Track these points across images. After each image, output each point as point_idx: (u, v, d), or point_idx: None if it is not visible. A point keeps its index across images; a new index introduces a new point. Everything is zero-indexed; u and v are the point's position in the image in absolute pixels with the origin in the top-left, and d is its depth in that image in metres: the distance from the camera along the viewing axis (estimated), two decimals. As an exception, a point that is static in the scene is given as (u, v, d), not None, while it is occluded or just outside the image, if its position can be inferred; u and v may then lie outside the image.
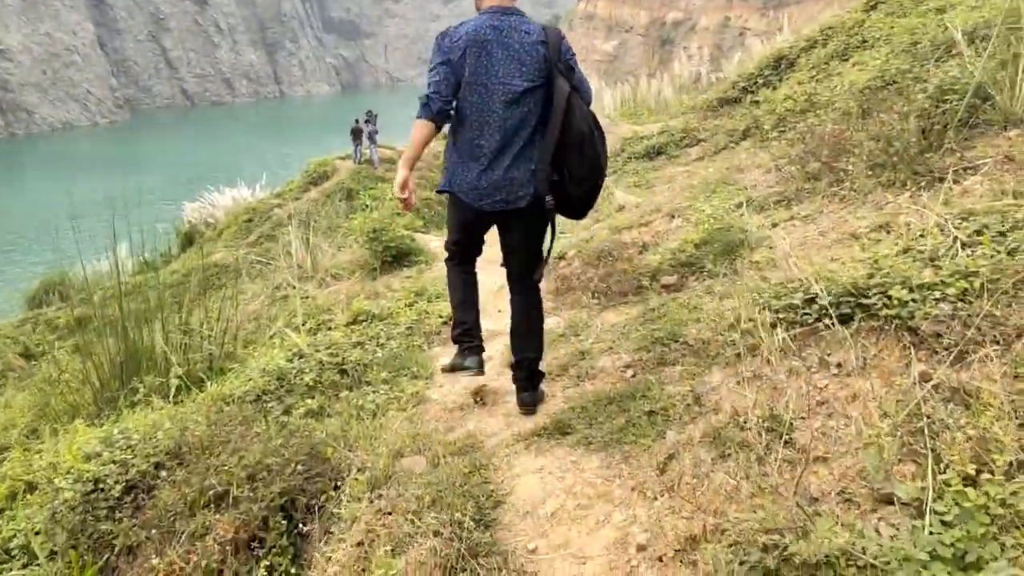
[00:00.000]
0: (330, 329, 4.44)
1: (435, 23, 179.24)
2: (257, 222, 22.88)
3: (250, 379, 3.66)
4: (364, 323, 4.27)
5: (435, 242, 7.23)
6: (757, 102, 6.48)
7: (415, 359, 3.75)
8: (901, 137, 3.64)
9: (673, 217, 4.71)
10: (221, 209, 26.25)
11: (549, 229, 3.26)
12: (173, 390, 4.41)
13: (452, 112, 3.20)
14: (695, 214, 4.46)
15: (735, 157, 5.53)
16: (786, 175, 4.47)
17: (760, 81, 6.98)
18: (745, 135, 5.97)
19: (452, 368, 3.33)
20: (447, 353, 3.98)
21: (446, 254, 3.48)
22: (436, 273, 5.73)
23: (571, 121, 3.07)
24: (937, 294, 2.29)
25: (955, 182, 3.20)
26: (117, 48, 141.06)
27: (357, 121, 25.42)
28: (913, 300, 2.29)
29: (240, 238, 22.41)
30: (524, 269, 3.28)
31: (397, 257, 6.06)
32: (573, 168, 3.10)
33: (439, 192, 3.40)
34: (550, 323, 3.74)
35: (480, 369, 3.29)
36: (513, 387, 3.28)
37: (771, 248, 3.51)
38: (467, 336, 3.32)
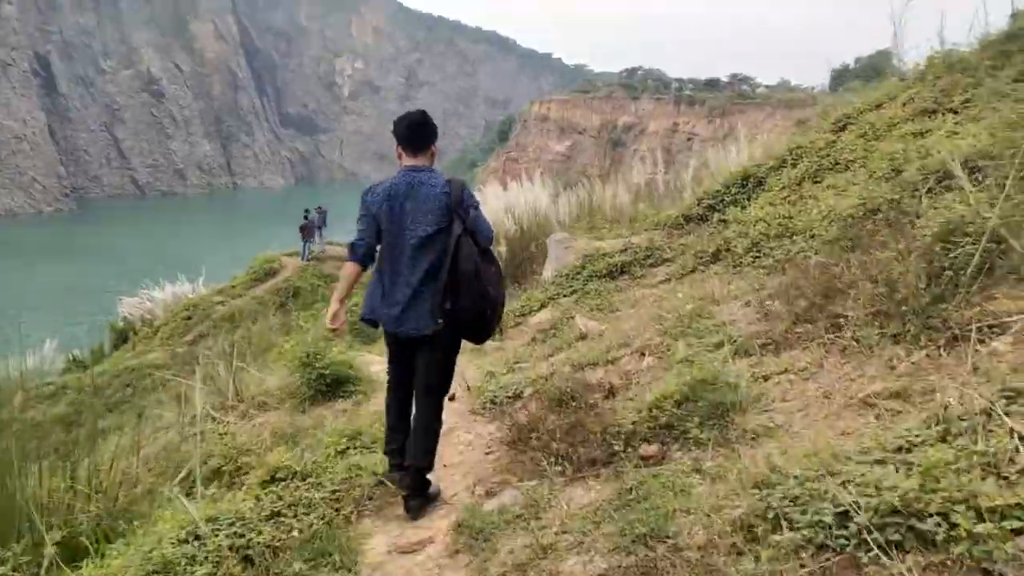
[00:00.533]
0: (242, 487, 3.72)
1: (391, 120, 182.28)
2: (197, 319, 21.89)
3: (128, 567, 2.91)
4: (283, 482, 3.57)
5: (377, 365, 6.59)
6: (725, 221, 6.11)
7: (339, 541, 3.06)
8: (904, 280, 3.19)
9: (643, 355, 4.18)
10: (160, 305, 25.17)
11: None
12: (45, 565, 3.61)
13: (373, 255, 3.87)
14: (669, 355, 3.93)
15: (706, 283, 5.08)
16: (770, 312, 4.00)
17: (727, 199, 6.64)
18: (716, 258, 5.55)
19: (385, 479, 3.82)
20: (378, 529, 3.34)
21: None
22: (376, 407, 5.07)
23: (458, 260, 3.66)
24: (1015, 523, 1.75)
25: (980, 341, 2.74)
26: (68, 137, 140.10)
27: (306, 216, 24.80)
28: (987, 533, 1.74)
29: (178, 336, 21.35)
30: (426, 385, 3.84)
31: (332, 385, 5.38)
32: (460, 298, 3.66)
33: (362, 320, 3.94)
34: (504, 499, 3.10)
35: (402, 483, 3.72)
36: None
37: (766, 411, 2.98)
38: (396, 455, 3.82)
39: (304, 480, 3.55)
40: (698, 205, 6.83)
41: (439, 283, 3.66)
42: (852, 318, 3.32)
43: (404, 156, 3.91)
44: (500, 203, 12.68)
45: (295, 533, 3.10)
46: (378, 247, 3.88)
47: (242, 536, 3.01)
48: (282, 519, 3.20)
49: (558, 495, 2.98)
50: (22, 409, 17.12)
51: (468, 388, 4.81)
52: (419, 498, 3.66)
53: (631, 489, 2.79)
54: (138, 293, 25.88)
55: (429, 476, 3.73)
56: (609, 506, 2.74)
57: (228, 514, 3.14)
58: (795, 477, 2.18)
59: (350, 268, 3.88)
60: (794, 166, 6.28)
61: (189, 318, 22.04)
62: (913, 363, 2.83)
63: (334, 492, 3.45)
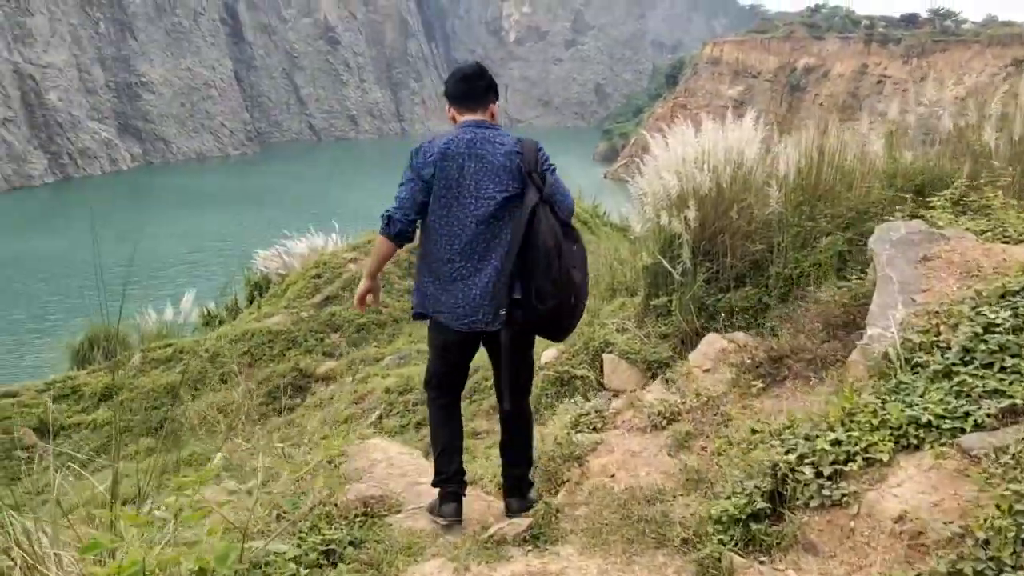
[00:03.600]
0: None
1: (556, 66, 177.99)
2: (326, 279, 19.54)
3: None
4: None
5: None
6: None
7: None
8: None
9: None
10: (297, 258, 23.16)
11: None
12: None
13: (413, 233, 3.30)
14: None
15: None
16: None
17: None
18: None
19: (430, 510, 3.42)
20: None
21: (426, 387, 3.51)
22: None
23: (533, 233, 3.03)
24: None
25: None
26: (252, 84, 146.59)
27: None
28: None
29: (305, 298, 19.11)
30: (513, 387, 3.27)
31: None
32: (538, 283, 3.04)
33: (414, 317, 3.45)
34: None
35: (457, 517, 3.32)
36: None
37: None
38: (447, 483, 3.34)
39: None
40: None
41: (504, 261, 3.09)
42: None
43: (459, 117, 3.40)
44: (689, 149, 8.66)
45: None
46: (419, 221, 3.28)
47: None
48: None
49: None
50: (136, 374, 14.31)
51: None
52: (523, 497, 3.39)
53: None
54: (276, 244, 24.04)
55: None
56: None
57: None
58: None
59: (384, 245, 3.33)
60: None
61: (318, 276, 19.69)
62: None
63: None
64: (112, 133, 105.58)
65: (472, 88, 3.35)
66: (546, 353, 8.61)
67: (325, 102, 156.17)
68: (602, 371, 7.85)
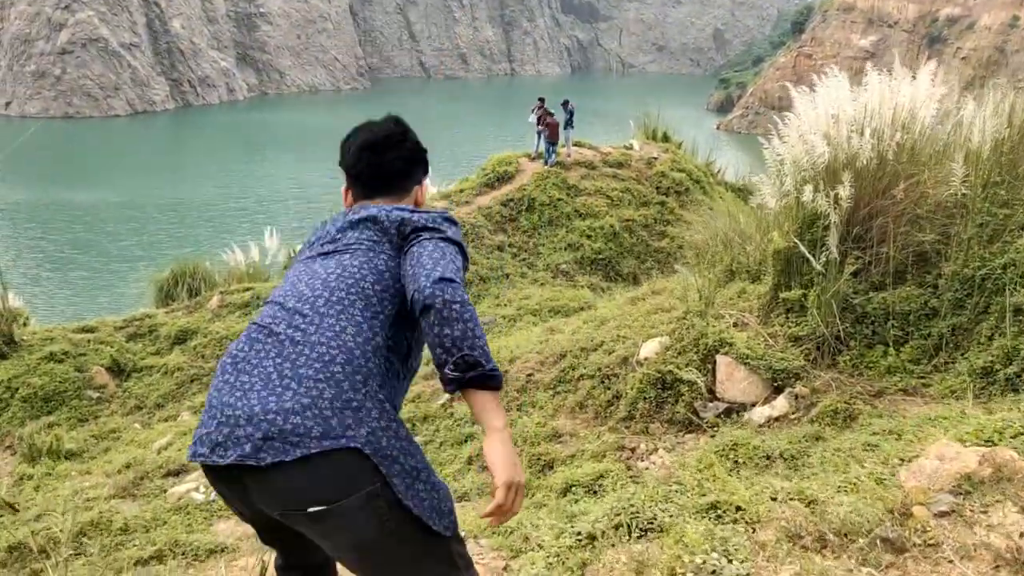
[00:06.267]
0: None
1: (674, 8, 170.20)
2: (416, 227, 18.55)
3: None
4: None
5: None
6: None
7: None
8: None
9: None
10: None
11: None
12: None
13: None
14: None
15: None
16: None
17: None
18: None
19: None
20: None
21: None
22: None
23: None
24: None
25: None
26: (367, 18, 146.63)
27: (541, 104, 18.43)
28: None
29: (392, 245, 18.21)
30: None
31: None
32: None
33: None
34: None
35: None
36: None
37: None
38: None
39: None
40: None
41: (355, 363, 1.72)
42: None
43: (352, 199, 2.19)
44: (845, 107, 6.89)
45: None
46: None
47: None
48: None
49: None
50: (212, 318, 13.24)
51: None
52: None
53: None
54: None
55: None
56: None
57: None
58: None
59: None
60: None
61: (406, 223, 18.75)
62: None
63: None
64: (231, 63, 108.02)
65: (381, 164, 2.11)
66: (646, 346, 7.18)
67: (436, 39, 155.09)
68: (714, 376, 6.43)
